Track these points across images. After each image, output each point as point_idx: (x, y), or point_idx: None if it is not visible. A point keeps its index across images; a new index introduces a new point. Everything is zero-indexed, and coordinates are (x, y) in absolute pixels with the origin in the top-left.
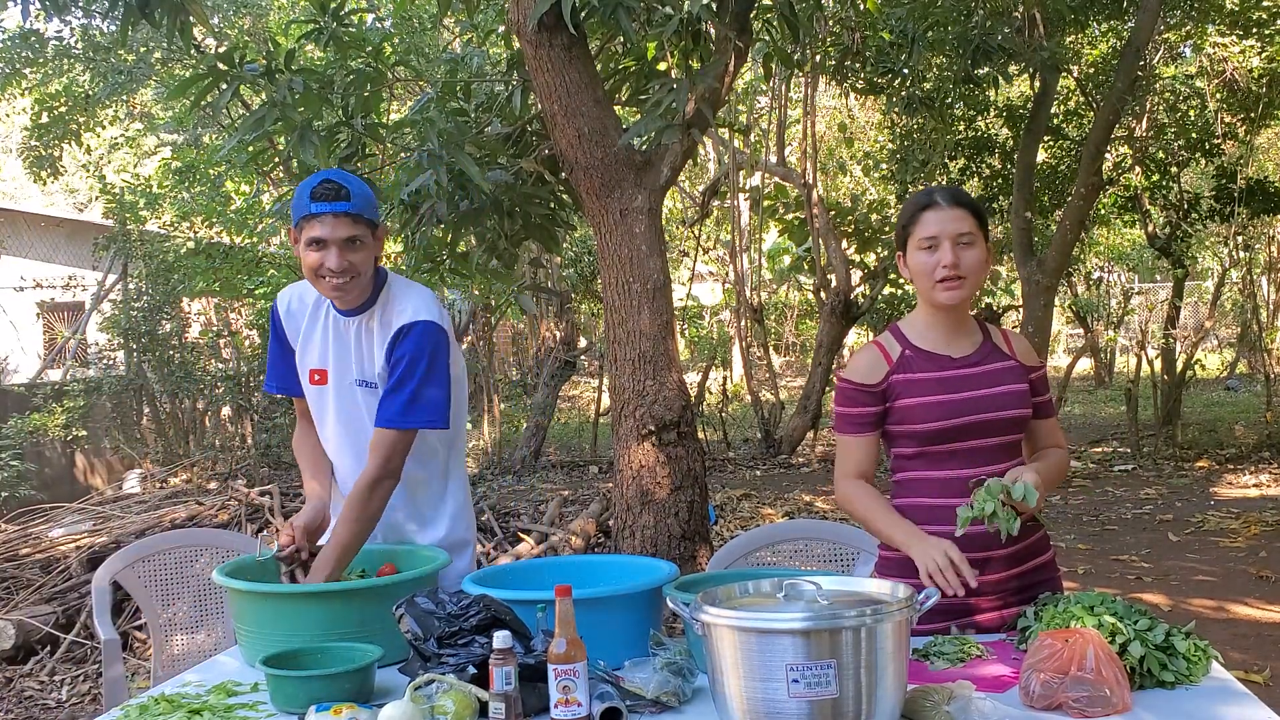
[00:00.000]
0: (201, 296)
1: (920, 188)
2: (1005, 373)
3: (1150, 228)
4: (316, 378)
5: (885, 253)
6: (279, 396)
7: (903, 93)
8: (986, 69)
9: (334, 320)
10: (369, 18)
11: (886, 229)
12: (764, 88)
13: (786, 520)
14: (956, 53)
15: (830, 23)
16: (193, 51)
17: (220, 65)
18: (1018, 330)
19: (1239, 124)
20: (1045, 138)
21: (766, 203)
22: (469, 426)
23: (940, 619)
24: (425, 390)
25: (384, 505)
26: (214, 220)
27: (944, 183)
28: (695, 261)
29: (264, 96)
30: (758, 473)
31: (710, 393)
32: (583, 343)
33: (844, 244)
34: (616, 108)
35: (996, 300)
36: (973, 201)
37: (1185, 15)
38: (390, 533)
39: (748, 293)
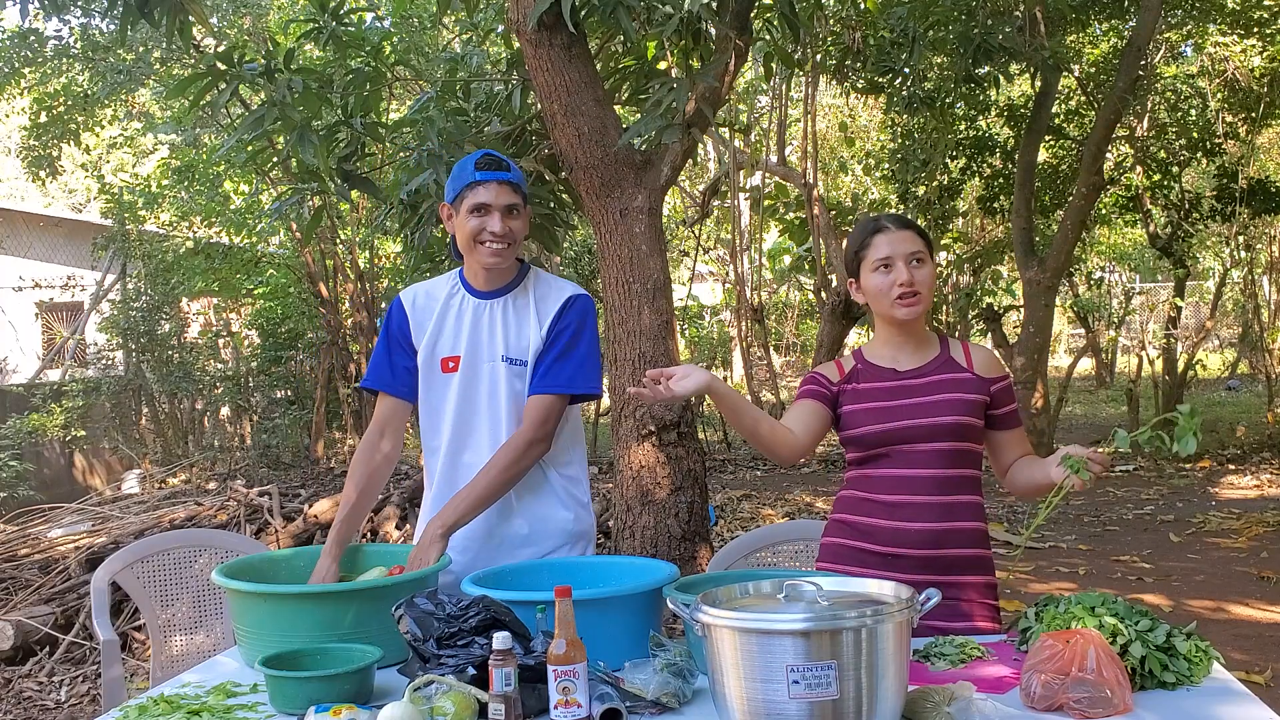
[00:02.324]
0: (200, 296)
1: (921, 188)
2: (952, 383)
3: (1151, 227)
4: (451, 365)
5: None
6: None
7: (904, 92)
8: (987, 68)
9: (472, 306)
10: (368, 17)
11: None
12: (764, 87)
13: (787, 521)
14: (957, 52)
15: (831, 22)
16: (192, 51)
17: (219, 65)
18: (1019, 331)
19: (1240, 123)
20: (1046, 137)
21: (767, 202)
22: None
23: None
24: (590, 359)
25: (529, 468)
26: (213, 220)
27: (944, 183)
28: (695, 261)
29: (263, 96)
30: (758, 473)
31: None
32: None
33: (845, 244)
34: (616, 107)
35: (998, 300)
36: (917, 224)
37: (1186, 14)
38: (535, 521)
39: (748, 293)
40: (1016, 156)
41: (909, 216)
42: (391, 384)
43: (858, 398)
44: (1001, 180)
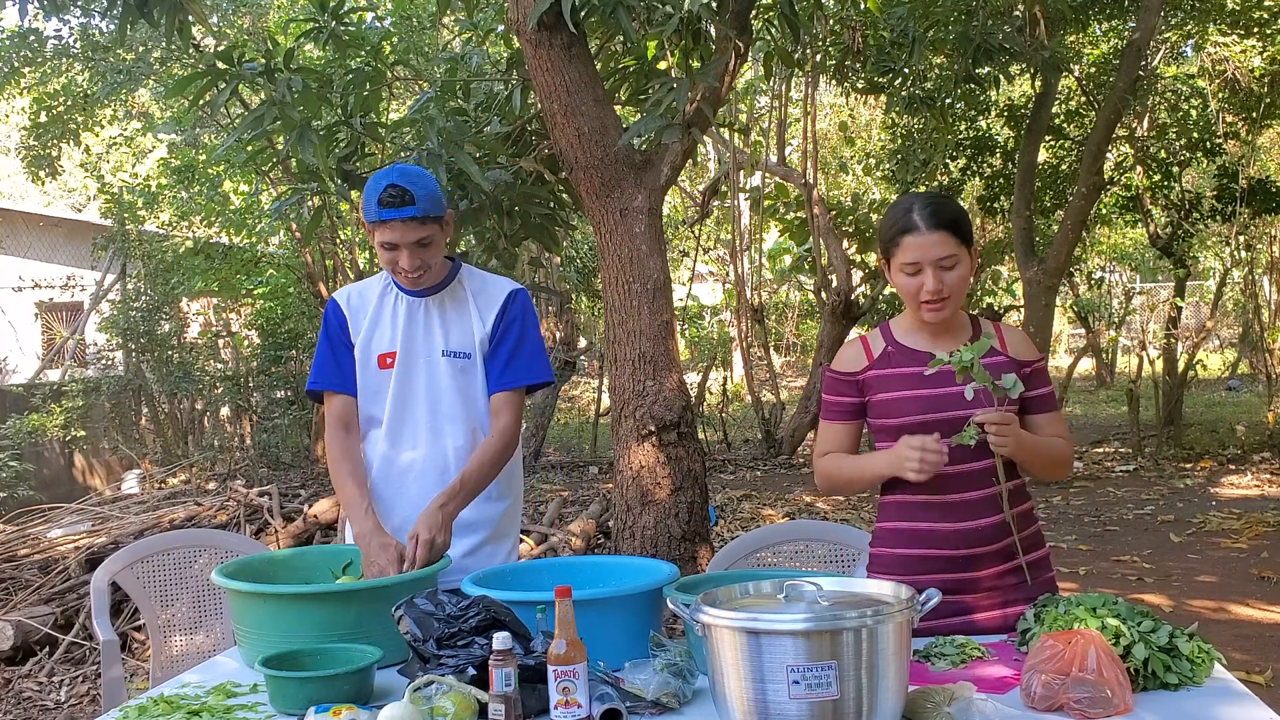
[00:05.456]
0: (200, 296)
1: (922, 187)
2: (989, 369)
3: (1152, 227)
4: (388, 361)
5: None
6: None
7: (903, 92)
8: (987, 68)
9: (406, 303)
10: (368, 17)
11: None
12: (764, 87)
13: (787, 521)
14: (957, 52)
15: (831, 22)
16: (192, 51)
17: (219, 64)
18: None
19: (1240, 123)
20: (1046, 137)
21: (767, 202)
22: None
23: (937, 619)
24: (540, 349)
25: (508, 462)
26: (212, 220)
27: (944, 184)
28: (695, 261)
29: (263, 95)
30: (758, 473)
31: (710, 393)
32: (583, 343)
33: (845, 244)
34: (616, 107)
35: (998, 300)
36: (952, 218)
37: (1187, 15)
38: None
39: (748, 293)
40: (1016, 156)
41: (945, 204)
42: (341, 383)
43: (891, 384)
44: (1001, 180)
